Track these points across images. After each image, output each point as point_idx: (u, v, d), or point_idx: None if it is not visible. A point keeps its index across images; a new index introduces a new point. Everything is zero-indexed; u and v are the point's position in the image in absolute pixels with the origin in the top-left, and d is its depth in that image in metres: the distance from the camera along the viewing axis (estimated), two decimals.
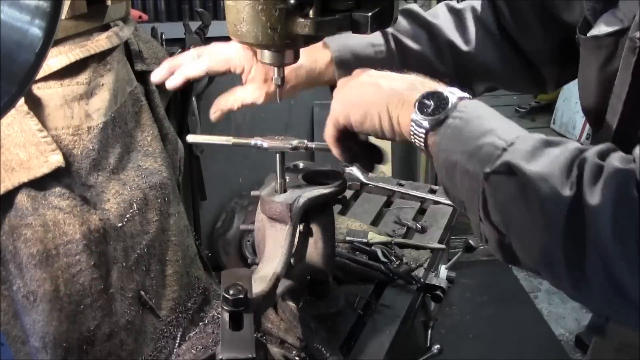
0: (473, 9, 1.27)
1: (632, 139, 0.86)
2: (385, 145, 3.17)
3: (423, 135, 0.90)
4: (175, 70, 1.23)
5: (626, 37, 0.90)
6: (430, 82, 0.96)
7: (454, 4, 1.30)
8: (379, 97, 0.96)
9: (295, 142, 1.14)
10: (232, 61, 1.23)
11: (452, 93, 0.90)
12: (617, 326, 1.09)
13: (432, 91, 0.91)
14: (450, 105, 0.88)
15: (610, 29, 0.94)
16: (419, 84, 0.95)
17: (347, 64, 1.20)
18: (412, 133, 0.91)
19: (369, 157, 1.07)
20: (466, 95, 0.91)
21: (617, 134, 0.93)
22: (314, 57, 1.20)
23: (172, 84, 1.23)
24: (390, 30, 1.24)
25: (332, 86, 1.26)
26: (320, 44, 1.20)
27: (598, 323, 1.04)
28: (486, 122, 0.87)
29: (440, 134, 0.88)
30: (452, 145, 0.87)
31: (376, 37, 1.23)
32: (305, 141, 1.15)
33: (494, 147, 0.82)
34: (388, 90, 0.95)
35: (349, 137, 1.02)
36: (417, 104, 0.90)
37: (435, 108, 0.89)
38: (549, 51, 1.23)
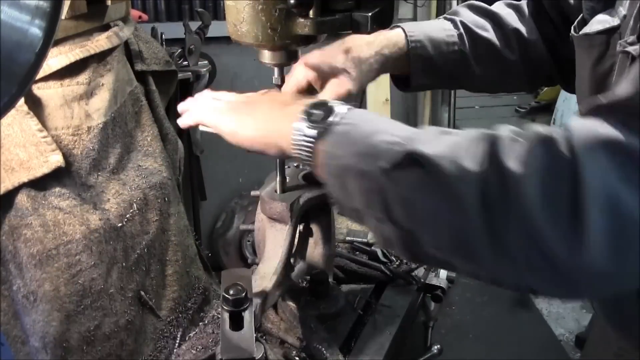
0: (528, 4, 1.25)
1: None
2: None
3: (309, 145, 0.85)
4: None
5: (617, 35, 0.90)
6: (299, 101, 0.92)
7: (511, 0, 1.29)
8: (259, 113, 0.93)
9: None
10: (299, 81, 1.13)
11: (340, 104, 0.86)
12: (615, 331, 1.08)
13: (319, 102, 0.87)
14: (336, 113, 0.84)
15: (601, 27, 0.93)
16: (306, 99, 0.92)
17: (421, 47, 1.18)
18: (294, 144, 0.86)
19: None
20: (356, 108, 0.87)
21: None
22: (390, 40, 1.17)
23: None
24: (457, 17, 1.23)
25: (397, 77, 1.25)
26: (389, 31, 1.17)
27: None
28: (376, 123, 0.82)
29: (328, 142, 0.83)
30: (342, 149, 0.82)
31: (446, 23, 1.22)
32: None
33: (388, 144, 0.77)
34: (268, 107, 0.93)
35: None
36: (303, 113, 0.86)
37: (322, 117, 0.84)
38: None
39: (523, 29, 1.23)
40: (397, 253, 0.83)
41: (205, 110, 1.00)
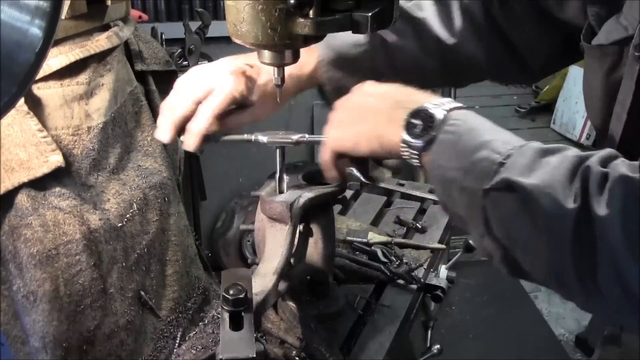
0: None
1: (637, 147, 0.85)
2: None
3: (416, 156, 0.89)
4: (177, 124, 1.12)
5: (631, 44, 0.89)
6: (416, 93, 0.95)
7: None
8: (367, 122, 0.96)
9: (295, 137, 1.12)
10: (232, 93, 1.13)
11: (438, 106, 0.88)
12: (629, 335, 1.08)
13: (417, 109, 0.89)
14: (436, 121, 0.87)
15: (614, 38, 0.92)
16: (404, 97, 0.94)
17: (334, 65, 1.20)
18: (404, 154, 0.91)
19: (363, 171, 1.08)
20: (455, 105, 0.90)
21: (622, 142, 0.92)
22: (299, 63, 1.16)
23: (191, 147, 1.12)
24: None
25: (321, 86, 1.26)
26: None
27: (613, 333, 1.02)
28: (479, 134, 0.85)
29: (433, 152, 0.87)
30: (447, 162, 0.86)
31: (359, 37, 1.20)
32: (307, 135, 1.12)
33: (489, 162, 0.81)
34: (375, 113, 0.95)
35: (342, 157, 1.03)
36: (405, 124, 0.90)
37: (423, 128, 0.88)
38: (537, 43, 1.21)
39: (444, 34, 1.23)
40: (497, 266, 0.85)
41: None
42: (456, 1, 1.25)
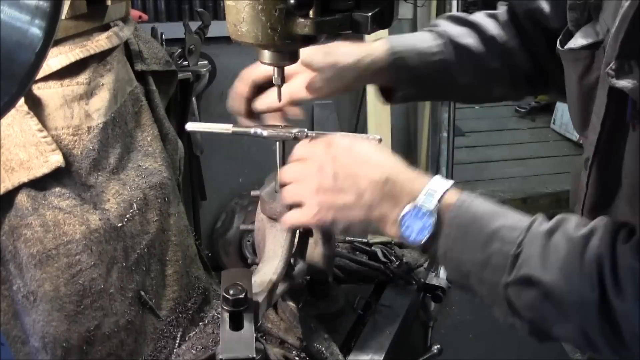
0: (505, 13, 1.26)
1: (610, 157, 0.90)
2: (385, 142, 3.17)
3: (421, 248, 0.91)
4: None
5: (601, 49, 0.91)
6: (402, 176, 0.93)
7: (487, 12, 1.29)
8: (359, 212, 0.94)
9: (295, 131, 1.10)
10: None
11: (430, 195, 0.89)
12: None
13: (409, 210, 0.89)
14: (433, 219, 0.88)
15: (585, 42, 0.94)
16: (390, 187, 0.92)
17: (404, 57, 1.18)
18: (409, 245, 0.92)
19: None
20: (444, 186, 0.90)
21: (597, 151, 0.94)
22: (373, 50, 1.18)
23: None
24: (438, 29, 1.23)
25: (381, 87, 1.25)
26: (372, 42, 1.19)
27: None
28: (484, 223, 0.87)
29: (441, 246, 0.89)
30: (460, 254, 0.88)
31: (427, 34, 1.22)
32: (306, 130, 1.11)
33: (504, 256, 0.84)
34: (365, 205, 0.93)
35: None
36: (401, 226, 0.90)
37: (421, 228, 0.89)
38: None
39: (503, 37, 1.23)
40: (526, 334, 0.91)
41: (309, 213, 0.98)
42: (504, 15, 1.25)
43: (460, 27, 1.23)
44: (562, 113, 5.01)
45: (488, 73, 1.24)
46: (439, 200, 0.89)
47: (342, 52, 1.15)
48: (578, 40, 0.96)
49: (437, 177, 0.92)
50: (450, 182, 0.91)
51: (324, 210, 0.95)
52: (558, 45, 1.02)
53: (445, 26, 1.24)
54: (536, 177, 4.56)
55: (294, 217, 1.01)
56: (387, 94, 1.25)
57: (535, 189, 4.36)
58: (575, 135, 4.73)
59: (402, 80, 1.21)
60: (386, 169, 0.94)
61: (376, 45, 1.18)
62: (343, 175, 0.94)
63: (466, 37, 1.22)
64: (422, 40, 1.21)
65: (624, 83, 0.81)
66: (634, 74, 0.81)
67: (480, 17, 1.27)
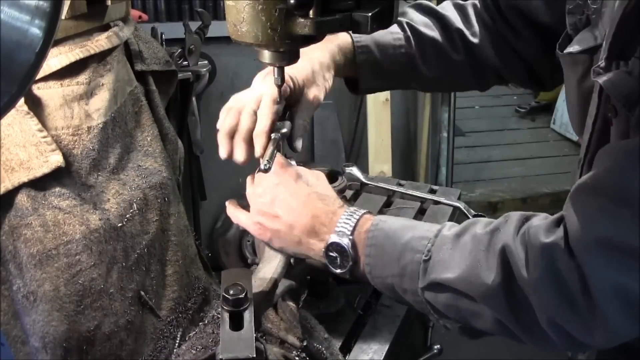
0: (474, 5, 1.28)
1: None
2: (386, 144, 3.17)
3: (348, 275, 1.01)
4: (247, 138, 1.18)
5: (600, 53, 0.92)
6: (327, 209, 1.02)
7: (458, 0, 1.31)
8: (289, 243, 1.05)
9: (284, 130, 1.14)
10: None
11: (342, 234, 0.97)
12: None
13: (329, 243, 0.99)
14: (349, 253, 0.97)
15: (583, 47, 0.96)
16: (314, 222, 1.01)
17: (368, 52, 1.23)
18: (339, 275, 1.02)
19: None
20: (356, 216, 0.99)
21: (588, 152, 0.96)
22: (340, 48, 1.22)
23: (260, 152, 1.19)
24: (404, 19, 1.25)
25: (347, 78, 1.29)
26: (336, 37, 1.22)
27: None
28: (396, 238, 0.96)
29: (365, 268, 0.98)
30: (381, 272, 0.97)
31: (393, 26, 1.25)
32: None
33: (415, 264, 0.93)
34: (294, 240, 1.04)
35: None
36: (327, 259, 1.00)
37: (341, 260, 0.99)
38: (542, 57, 1.24)
39: (467, 31, 1.26)
40: (458, 334, 0.98)
41: (249, 226, 1.15)
42: (471, 7, 1.28)
43: (425, 16, 1.26)
44: (562, 113, 5.01)
45: (451, 65, 1.27)
46: (354, 228, 0.97)
47: (318, 55, 1.18)
48: (576, 45, 0.98)
49: (352, 208, 1.01)
50: (362, 210, 1.00)
51: (261, 229, 1.08)
52: (557, 49, 1.03)
53: (411, 16, 1.26)
54: (536, 177, 4.56)
55: (239, 218, 1.17)
56: (351, 84, 1.30)
57: (535, 189, 4.36)
58: (575, 136, 4.73)
59: (367, 73, 1.24)
60: (315, 205, 1.03)
61: (341, 43, 1.21)
62: (279, 204, 1.06)
63: (431, 28, 1.25)
64: (386, 33, 1.24)
65: (604, 78, 0.84)
66: (613, 70, 0.84)
67: (447, 7, 1.29)
